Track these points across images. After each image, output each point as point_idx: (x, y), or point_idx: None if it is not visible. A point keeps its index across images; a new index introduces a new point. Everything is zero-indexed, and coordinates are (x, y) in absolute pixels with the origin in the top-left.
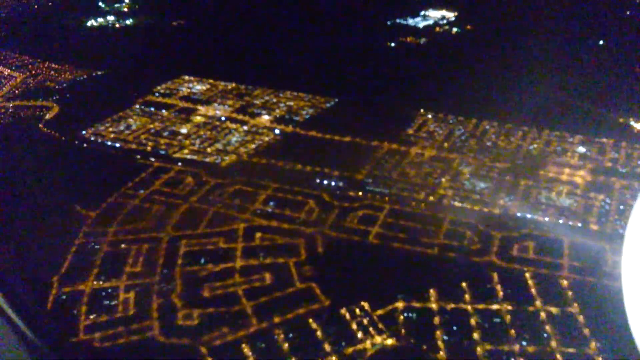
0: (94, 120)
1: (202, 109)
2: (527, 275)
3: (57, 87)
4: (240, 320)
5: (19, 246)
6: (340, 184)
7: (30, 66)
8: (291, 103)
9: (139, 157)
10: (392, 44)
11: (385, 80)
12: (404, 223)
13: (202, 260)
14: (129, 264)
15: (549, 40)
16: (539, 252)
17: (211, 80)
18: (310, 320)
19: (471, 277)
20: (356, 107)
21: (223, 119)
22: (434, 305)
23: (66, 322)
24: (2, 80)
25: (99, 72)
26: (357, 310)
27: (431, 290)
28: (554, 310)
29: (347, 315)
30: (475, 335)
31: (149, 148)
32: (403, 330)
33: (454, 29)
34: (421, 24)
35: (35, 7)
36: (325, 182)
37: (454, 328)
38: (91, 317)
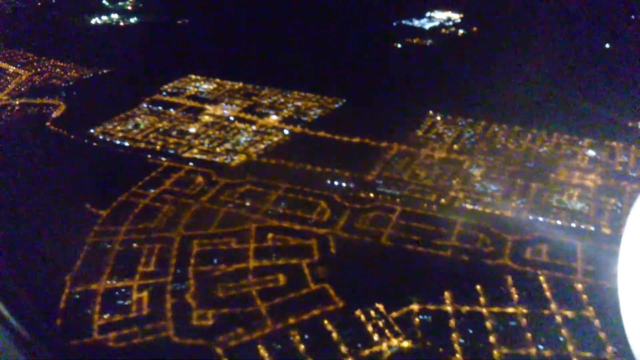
0: (101, 119)
1: (209, 108)
2: (542, 278)
3: (63, 85)
4: (255, 321)
5: (29, 245)
6: (351, 185)
7: (35, 63)
8: (299, 103)
9: (149, 156)
10: (399, 45)
11: (392, 82)
12: (416, 225)
13: (215, 261)
14: (142, 264)
15: (557, 42)
16: (553, 256)
17: (218, 80)
18: (326, 321)
19: (485, 279)
20: (364, 108)
21: (231, 118)
22: (449, 308)
23: (79, 322)
24: (8, 78)
25: (105, 71)
26: (372, 312)
27: (446, 293)
28: (569, 314)
29: (363, 317)
30: (492, 339)
31: (158, 147)
32: (419, 333)
33: (460, 31)
34: (427, 26)
35: (39, 4)
36: (336, 183)
37: (470, 331)
38: (105, 316)
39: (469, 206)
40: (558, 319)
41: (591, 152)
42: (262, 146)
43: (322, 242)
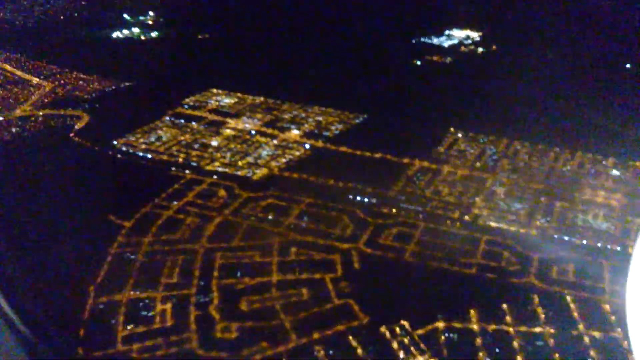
0: (124, 131)
1: (231, 122)
2: (569, 298)
3: (86, 96)
4: (280, 335)
5: (53, 255)
6: (373, 200)
7: (58, 75)
8: (320, 118)
9: (174, 169)
10: (418, 62)
11: (412, 98)
12: (440, 242)
13: (239, 274)
14: (165, 275)
15: (579, 61)
16: (579, 276)
17: (239, 94)
18: (350, 337)
19: (511, 298)
20: (385, 124)
21: (253, 132)
22: (475, 326)
23: (103, 332)
24: (31, 89)
25: (127, 83)
26: (398, 329)
27: (472, 311)
28: (597, 334)
29: (388, 334)
30: (519, 358)
31: (180, 160)
32: (445, 351)
33: (480, 49)
34: (446, 43)
35: (61, 17)
36: (358, 198)
37: (497, 350)
38: (128, 327)
39: (493, 224)
40: (586, 339)
41: (615, 172)
42: (283, 160)
43: (345, 257)
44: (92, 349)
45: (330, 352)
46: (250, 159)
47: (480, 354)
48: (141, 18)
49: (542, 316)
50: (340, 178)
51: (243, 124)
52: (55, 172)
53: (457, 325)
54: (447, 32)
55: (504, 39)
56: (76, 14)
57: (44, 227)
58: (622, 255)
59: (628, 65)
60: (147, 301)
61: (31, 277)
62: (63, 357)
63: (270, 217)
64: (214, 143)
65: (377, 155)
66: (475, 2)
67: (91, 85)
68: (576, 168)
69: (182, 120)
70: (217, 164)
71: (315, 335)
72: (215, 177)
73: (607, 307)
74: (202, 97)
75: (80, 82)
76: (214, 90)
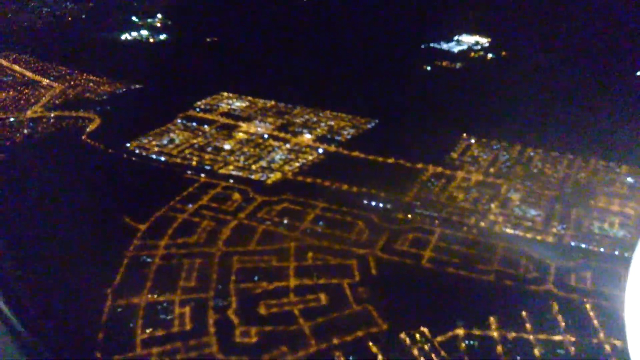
0: (137, 133)
1: (243, 125)
2: (588, 306)
3: (96, 98)
4: (299, 340)
5: (69, 257)
6: (388, 205)
7: (68, 77)
8: (332, 122)
9: (189, 172)
10: (428, 68)
11: (424, 103)
12: (456, 248)
13: (256, 278)
14: (183, 278)
15: (588, 68)
16: (598, 283)
17: (250, 98)
18: (370, 343)
19: (530, 306)
20: (397, 129)
21: (265, 136)
22: (495, 334)
23: (122, 336)
24: (42, 90)
25: (137, 86)
26: (418, 336)
27: (491, 318)
28: (618, 343)
29: (408, 340)
30: None
31: (194, 163)
32: (466, 358)
33: (489, 55)
34: (455, 49)
35: (69, 19)
36: (373, 203)
37: (518, 358)
38: (147, 331)
39: (509, 230)
40: (607, 348)
41: (630, 180)
42: (297, 164)
43: (362, 263)
44: (111, 353)
45: (350, 357)
46: (263, 163)
47: None
48: (149, 21)
49: (562, 324)
50: (354, 183)
51: (255, 127)
52: (68, 174)
53: (477, 332)
54: (456, 37)
55: (514, 45)
56: (83, 16)
57: (58, 228)
58: None
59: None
60: (165, 304)
61: (46, 280)
62: None
63: (285, 221)
64: (227, 146)
65: (390, 161)
66: (483, 9)
67: (101, 87)
68: (590, 175)
69: (194, 123)
70: (230, 167)
71: (335, 341)
72: (231, 181)
73: None
74: (213, 100)
75: (91, 84)
76: (225, 94)
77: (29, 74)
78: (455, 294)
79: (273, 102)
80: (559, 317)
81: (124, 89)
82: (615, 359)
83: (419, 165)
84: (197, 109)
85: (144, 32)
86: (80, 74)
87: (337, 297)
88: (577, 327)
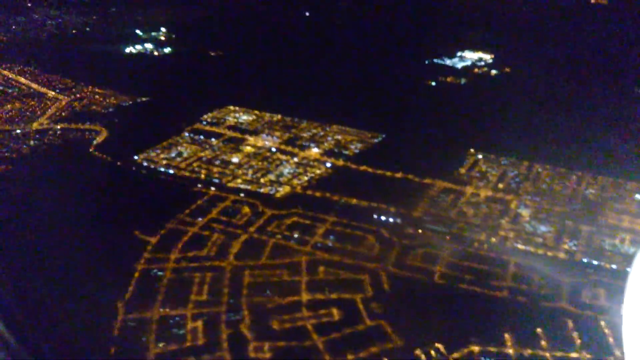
0: (144, 146)
1: (250, 139)
2: (602, 323)
3: (103, 111)
4: (313, 356)
5: (78, 270)
6: (398, 220)
7: (73, 89)
8: (339, 137)
9: (200, 185)
10: (432, 83)
11: (430, 119)
12: (468, 264)
13: (268, 292)
14: (194, 292)
15: (594, 84)
16: (612, 300)
17: (256, 111)
18: (385, 359)
19: (545, 322)
20: (404, 144)
21: (273, 149)
22: (510, 351)
23: (135, 350)
24: (47, 102)
25: (143, 99)
26: (433, 352)
27: (506, 335)
28: None
29: (423, 357)
30: None
31: (202, 176)
32: None
33: (493, 71)
34: (459, 65)
35: (73, 31)
36: (382, 217)
37: None
38: (160, 345)
39: (520, 246)
40: None
41: (638, 196)
42: (305, 178)
43: (374, 278)
44: None
45: None
46: (272, 177)
47: None
48: (154, 34)
49: (578, 341)
50: (363, 197)
51: (262, 141)
52: (76, 186)
53: (493, 349)
54: (459, 54)
55: (518, 61)
56: (88, 29)
57: (67, 240)
58: None
59: None
60: (177, 319)
61: (56, 294)
62: None
63: (295, 235)
64: (235, 160)
65: (398, 175)
66: (486, 25)
67: (107, 100)
68: (599, 191)
69: (202, 137)
70: (239, 180)
71: (349, 357)
72: (242, 195)
73: None
74: (219, 113)
75: (96, 97)
76: (231, 107)
77: (34, 85)
78: (469, 310)
79: (279, 116)
80: (574, 334)
81: (130, 102)
82: None
83: (427, 180)
84: (204, 122)
85: (148, 46)
86: (85, 87)
87: (350, 313)
88: (592, 345)
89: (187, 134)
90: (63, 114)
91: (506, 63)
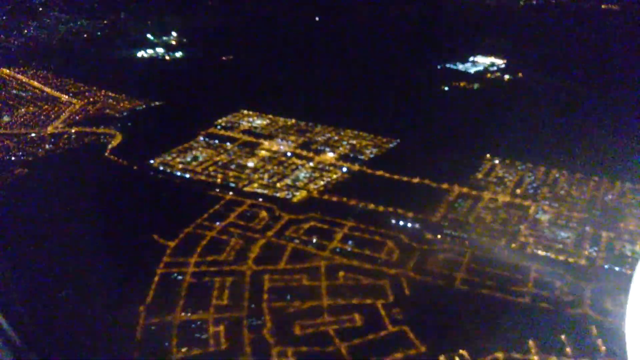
0: (159, 150)
1: (265, 143)
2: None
3: (116, 115)
4: None
5: (98, 274)
6: (417, 225)
7: (87, 93)
8: (353, 141)
9: (217, 190)
10: (446, 88)
11: (444, 123)
12: (488, 270)
13: (288, 297)
14: (215, 297)
15: (608, 89)
16: None
17: (270, 116)
18: None
19: (568, 329)
20: (420, 149)
21: (288, 154)
22: (535, 358)
23: (158, 355)
24: (61, 106)
25: (157, 103)
26: (457, 359)
27: (530, 342)
28: None
29: None
30: None
31: (218, 180)
32: None
33: (506, 76)
34: (472, 70)
35: (84, 36)
36: (401, 223)
37: None
38: (183, 350)
39: (541, 252)
40: None
41: None
42: (321, 183)
43: (394, 283)
44: None
45: None
46: (288, 181)
47: None
48: (165, 38)
49: (603, 348)
50: (380, 202)
51: (277, 145)
52: (93, 189)
53: (517, 356)
54: (471, 58)
55: (530, 66)
56: (99, 33)
57: (85, 244)
58: None
59: None
60: (199, 323)
61: (77, 299)
62: None
63: (314, 240)
64: (250, 164)
65: (415, 180)
66: (498, 30)
67: (121, 104)
68: (617, 197)
69: (217, 141)
70: (255, 185)
71: None
72: (260, 199)
73: None
74: (233, 117)
75: (110, 101)
76: (244, 112)
77: (47, 89)
78: (492, 316)
79: (293, 120)
80: (599, 341)
81: (144, 106)
82: None
83: (444, 186)
84: (218, 127)
85: (160, 50)
86: (98, 91)
87: (372, 318)
88: (618, 352)
89: (201, 138)
90: (77, 117)
91: (519, 68)
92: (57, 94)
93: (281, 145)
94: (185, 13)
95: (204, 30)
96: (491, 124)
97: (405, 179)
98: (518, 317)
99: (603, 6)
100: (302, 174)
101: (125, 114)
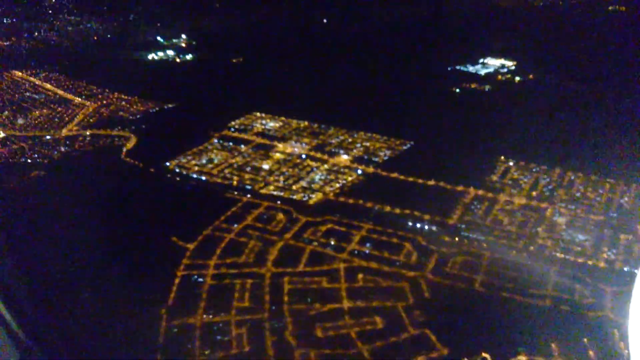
0: (174, 152)
1: (280, 145)
2: None
3: (130, 117)
4: None
5: (119, 276)
6: (434, 228)
7: (99, 96)
8: (367, 144)
9: (236, 192)
10: (457, 90)
11: (457, 125)
12: (507, 272)
13: (309, 299)
14: (236, 299)
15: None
16: None
17: (283, 118)
18: None
19: (590, 332)
20: (433, 151)
21: (303, 156)
22: None
23: (181, 357)
24: (75, 108)
25: (170, 105)
26: None
27: (553, 345)
28: None
29: None
30: None
31: (234, 182)
32: None
33: (517, 78)
34: (482, 72)
35: (95, 38)
36: (418, 225)
37: None
38: (206, 352)
39: (559, 255)
40: None
41: None
42: (337, 185)
43: (414, 285)
44: None
45: None
46: (304, 183)
47: None
48: (175, 41)
49: (626, 352)
50: (397, 204)
51: (292, 147)
52: (109, 192)
53: (540, 359)
54: (481, 60)
55: (541, 68)
56: (109, 35)
57: (108, 246)
58: None
59: None
60: (221, 325)
61: (96, 300)
62: None
63: (332, 242)
64: (265, 166)
65: (430, 183)
66: (508, 32)
67: (134, 107)
68: (634, 199)
69: (231, 143)
70: (271, 187)
71: None
72: (279, 202)
73: None
74: (246, 120)
75: (123, 103)
76: (257, 114)
77: (60, 92)
78: (512, 319)
79: (306, 123)
80: (621, 345)
81: (157, 108)
82: None
83: (460, 188)
84: (232, 129)
85: (170, 52)
86: (111, 93)
87: (393, 320)
88: None
89: (216, 141)
90: (91, 120)
91: (529, 70)
92: (70, 96)
93: (295, 148)
94: (194, 15)
95: (213, 32)
96: (503, 125)
97: (420, 181)
98: (539, 320)
99: (610, 7)
100: (318, 177)
101: (138, 116)
